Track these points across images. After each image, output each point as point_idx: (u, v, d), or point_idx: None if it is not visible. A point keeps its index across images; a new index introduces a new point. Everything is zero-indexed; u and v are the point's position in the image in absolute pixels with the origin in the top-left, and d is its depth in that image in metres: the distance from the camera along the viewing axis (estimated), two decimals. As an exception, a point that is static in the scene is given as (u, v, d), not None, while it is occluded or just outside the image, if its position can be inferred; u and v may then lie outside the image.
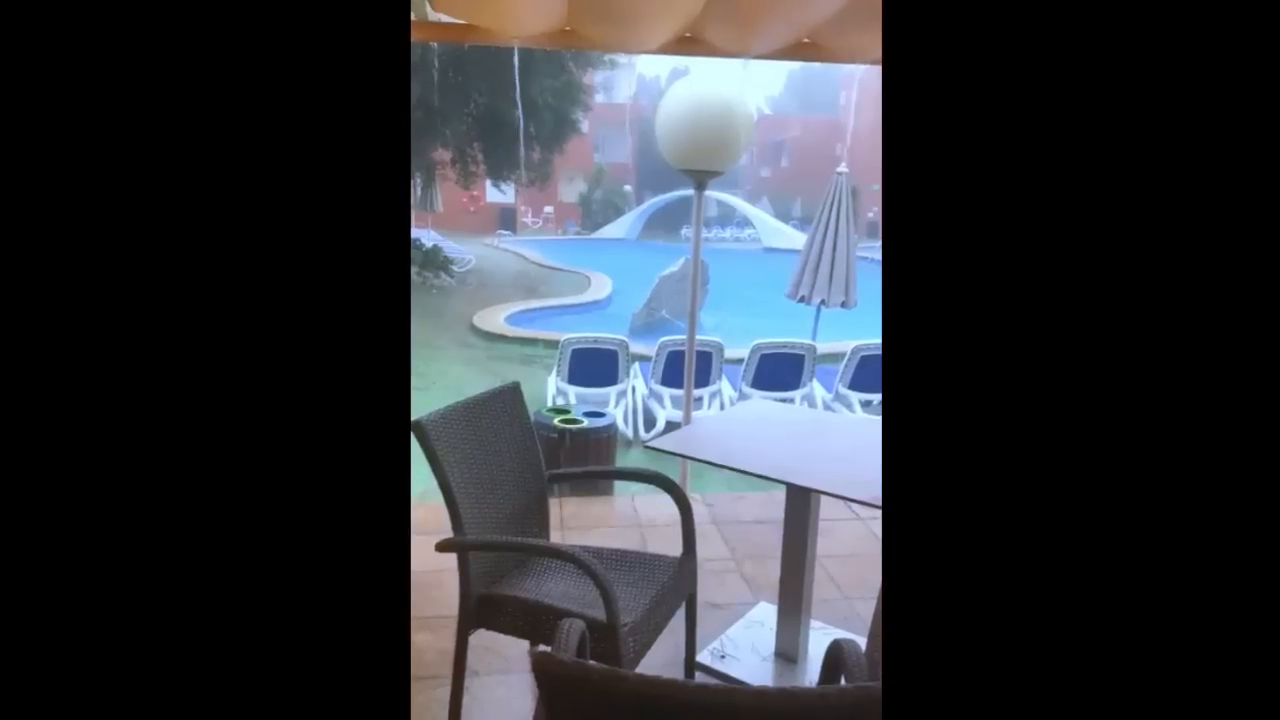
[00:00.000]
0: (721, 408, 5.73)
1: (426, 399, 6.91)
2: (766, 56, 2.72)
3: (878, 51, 2.62)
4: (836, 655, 1.30)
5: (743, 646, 2.28)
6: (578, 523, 3.18)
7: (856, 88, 28.15)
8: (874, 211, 28.93)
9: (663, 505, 2.15)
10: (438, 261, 14.22)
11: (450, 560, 1.77)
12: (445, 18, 2.51)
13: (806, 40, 2.59)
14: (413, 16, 2.46)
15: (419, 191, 16.16)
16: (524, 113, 13.08)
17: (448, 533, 1.77)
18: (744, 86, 2.97)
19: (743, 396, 5.78)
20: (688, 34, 2.59)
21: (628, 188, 29.20)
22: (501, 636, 1.81)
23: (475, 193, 21.26)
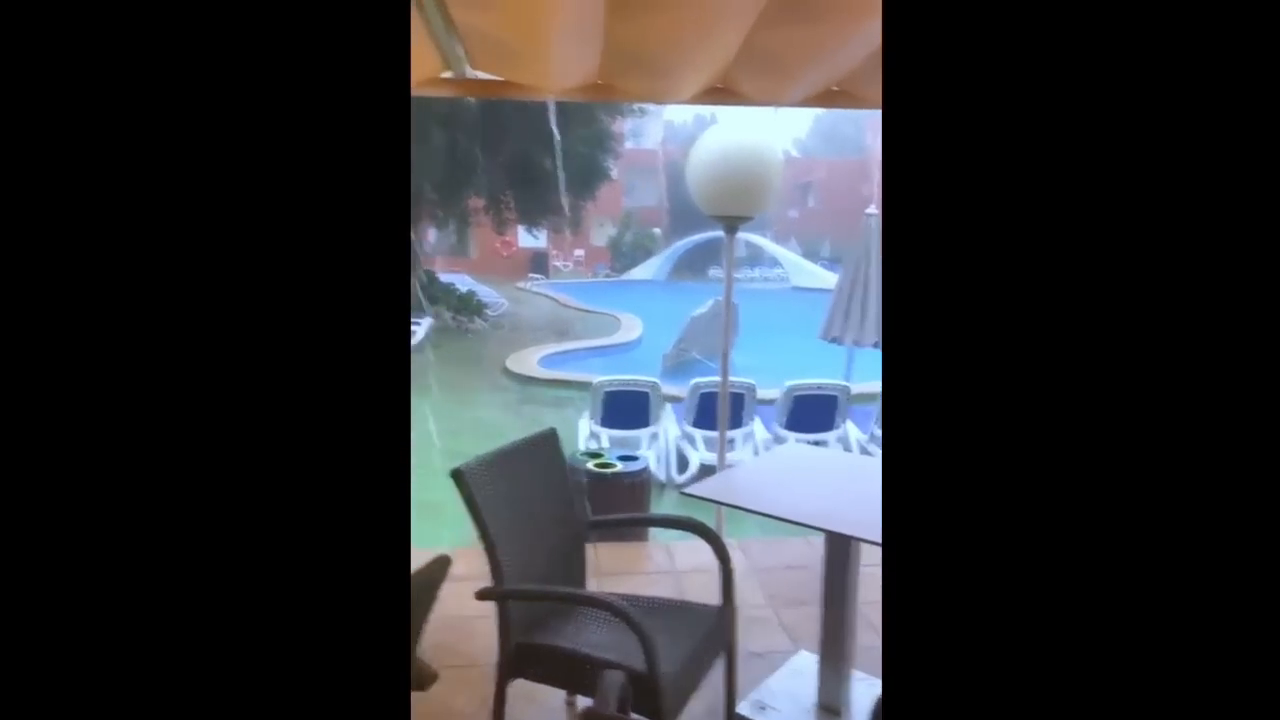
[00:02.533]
0: (755, 449, 5.69)
1: (459, 443, 6.94)
2: (797, 104, 2.76)
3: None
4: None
5: (783, 697, 2.23)
6: (612, 569, 3.15)
7: (872, 132, 28.32)
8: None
9: (698, 551, 2.12)
10: (472, 306, 14.46)
11: (485, 608, 1.77)
12: (484, 75, 2.59)
13: (836, 88, 2.63)
14: (451, 74, 2.56)
15: (454, 238, 16.50)
16: (556, 160, 13.38)
17: (486, 580, 1.77)
18: (772, 132, 3.02)
19: (777, 438, 5.74)
20: (719, 84, 2.64)
21: (657, 231, 29.52)
22: (539, 685, 1.79)
23: (508, 238, 21.66)
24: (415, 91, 2.66)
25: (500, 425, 7.48)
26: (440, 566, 1.25)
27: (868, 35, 2.08)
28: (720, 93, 2.68)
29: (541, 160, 13.63)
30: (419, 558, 3.16)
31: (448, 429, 7.19)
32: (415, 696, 1.37)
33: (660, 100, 2.79)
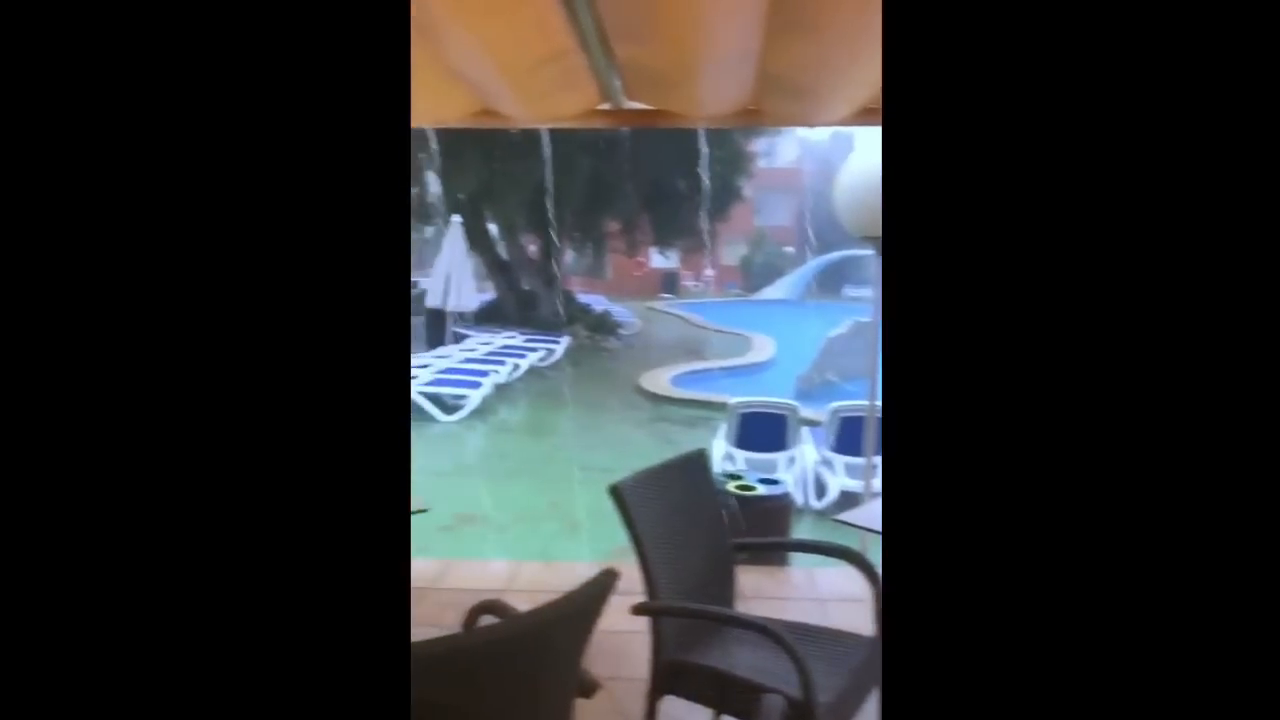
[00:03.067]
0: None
1: (594, 458, 7.09)
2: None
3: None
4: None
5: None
6: (755, 593, 3.13)
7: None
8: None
9: (843, 579, 2.07)
10: (606, 325, 14.84)
11: (632, 623, 1.80)
12: (638, 105, 2.69)
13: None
14: (608, 105, 2.67)
15: (590, 260, 16.99)
16: (691, 182, 13.55)
17: (630, 596, 1.82)
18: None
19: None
20: (871, 105, 2.61)
21: (789, 249, 29.13)
22: (684, 703, 1.81)
23: (640, 259, 22.08)
24: (574, 124, 2.80)
25: (634, 442, 7.61)
26: (608, 579, 1.30)
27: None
28: (872, 113, 2.64)
29: (676, 183, 13.84)
30: (561, 570, 3.28)
31: (583, 444, 7.40)
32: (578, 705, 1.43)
33: (812, 123, 2.79)
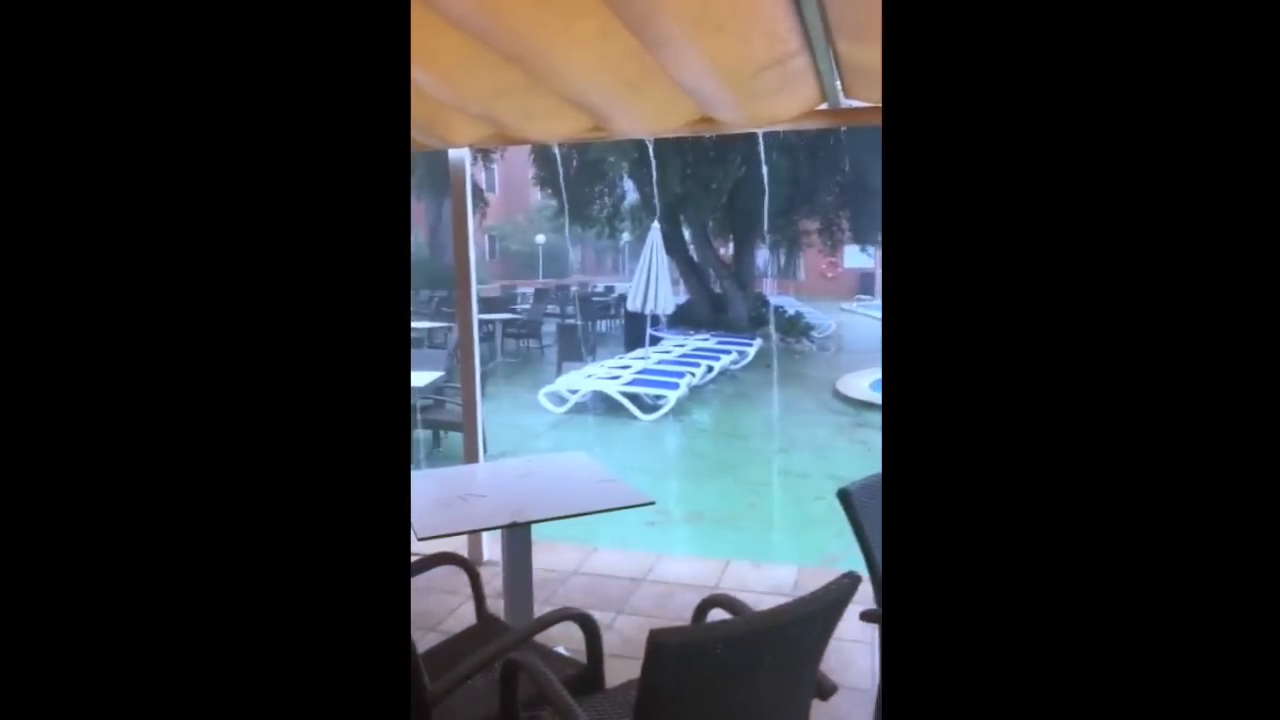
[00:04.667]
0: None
1: (791, 461, 6.98)
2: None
3: None
4: None
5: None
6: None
7: None
8: None
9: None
10: (799, 327, 14.59)
11: (859, 632, 1.77)
12: (857, 102, 2.64)
13: None
14: (825, 105, 2.64)
15: (783, 261, 16.80)
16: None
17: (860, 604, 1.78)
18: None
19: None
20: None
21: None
22: None
23: (833, 259, 21.46)
24: (791, 125, 2.79)
25: (833, 448, 7.42)
26: (851, 582, 1.29)
27: None
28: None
29: (877, 179, 13.32)
30: (769, 571, 3.28)
31: (779, 447, 7.33)
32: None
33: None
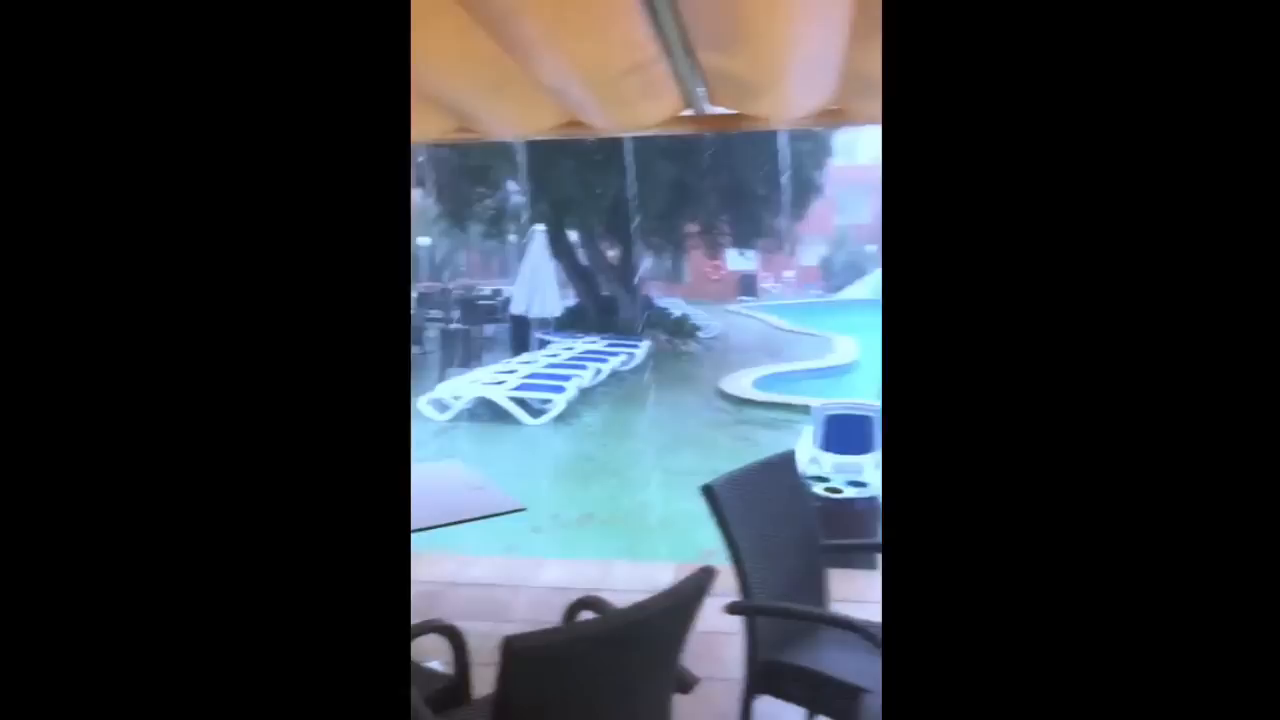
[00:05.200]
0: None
1: (677, 460, 7.09)
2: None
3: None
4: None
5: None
6: (843, 595, 3.09)
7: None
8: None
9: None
10: (685, 329, 14.86)
11: (723, 623, 1.82)
12: (721, 110, 2.72)
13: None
14: (691, 111, 2.70)
15: (668, 264, 17.04)
16: (768, 180, 13.46)
17: (731, 596, 1.84)
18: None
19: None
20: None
21: (871, 248, 28.45)
22: (778, 703, 1.82)
23: (718, 261, 22.01)
24: (656, 131, 2.85)
25: (717, 445, 7.59)
26: (706, 576, 1.33)
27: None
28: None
29: (755, 183, 13.77)
30: (651, 570, 3.33)
31: (666, 447, 7.44)
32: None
33: (859, 121, 2.75)
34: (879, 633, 1.60)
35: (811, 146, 14.07)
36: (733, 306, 22.85)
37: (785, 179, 13.10)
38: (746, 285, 26.99)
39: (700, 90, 2.52)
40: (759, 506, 1.98)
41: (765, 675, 1.81)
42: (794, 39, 1.94)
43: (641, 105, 2.51)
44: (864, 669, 1.77)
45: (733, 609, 1.80)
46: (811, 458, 5.67)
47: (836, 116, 2.75)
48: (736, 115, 2.75)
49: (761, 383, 10.55)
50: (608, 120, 2.63)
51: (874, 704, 1.27)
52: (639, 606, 1.28)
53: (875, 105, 2.66)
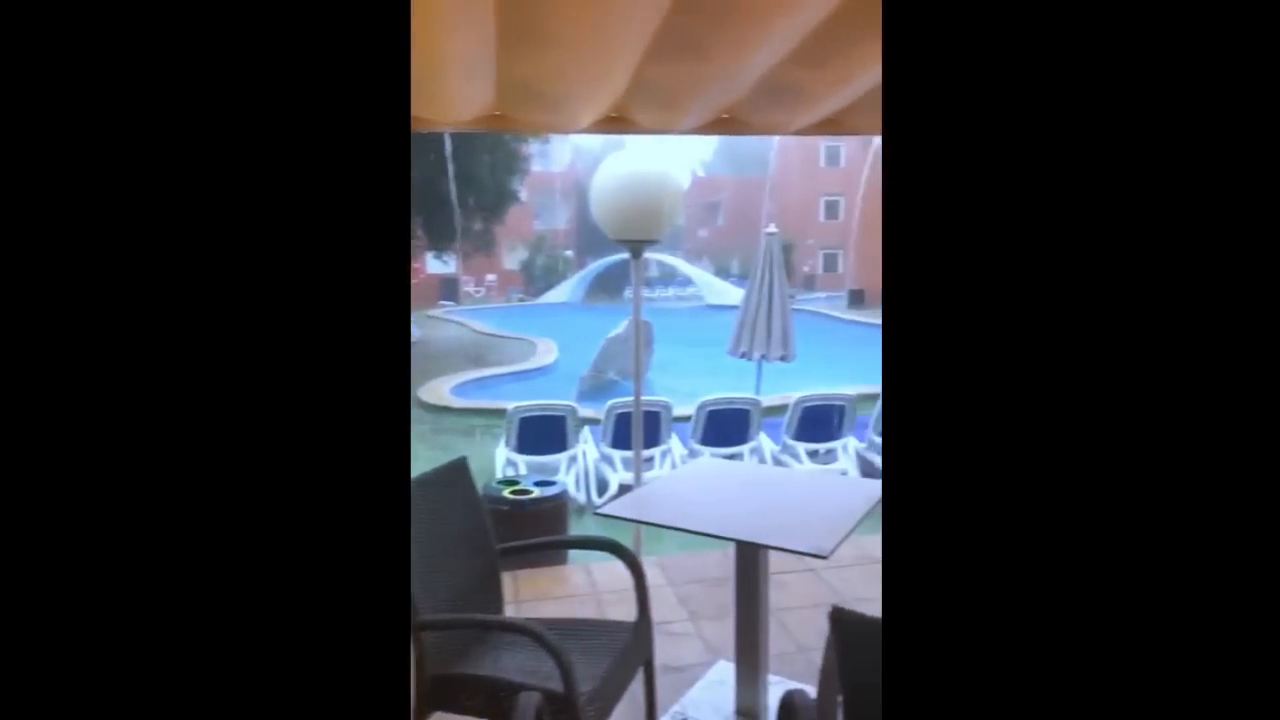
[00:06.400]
0: (673, 466, 5.77)
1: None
2: (690, 132, 2.87)
3: (793, 125, 2.80)
4: (789, 706, 1.33)
5: (704, 708, 2.28)
6: (533, 595, 3.15)
7: (779, 151, 29.48)
8: (809, 265, 29.91)
9: (618, 572, 2.17)
10: (380, 336, 14.11)
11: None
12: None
13: (726, 115, 2.75)
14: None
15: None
16: (463, 184, 13.32)
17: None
18: (673, 157, 3.13)
19: (693, 454, 5.84)
20: (614, 114, 2.73)
21: (569, 253, 29.60)
22: (461, 718, 1.79)
23: (416, 265, 21.30)
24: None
25: (416, 454, 7.30)
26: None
27: (750, 68, 2.20)
28: (616, 122, 2.77)
29: (447, 186, 13.54)
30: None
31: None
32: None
33: (558, 130, 2.86)
34: (540, 629, 1.64)
35: (503, 152, 14.21)
36: (434, 311, 22.24)
37: (475, 182, 13.07)
38: (448, 289, 26.46)
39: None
40: (427, 518, 1.92)
41: (435, 691, 1.76)
42: (443, 40, 1.91)
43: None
44: (535, 668, 1.80)
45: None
46: (507, 460, 5.72)
47: (501, 122, 2.78)
48: (420, 119, 2.65)
49: (460, 389, 10.41)
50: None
51: (529, 700, 1.29)
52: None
53: (537, 114, 2.74)
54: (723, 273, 27.83)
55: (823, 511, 2.04)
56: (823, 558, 1.73)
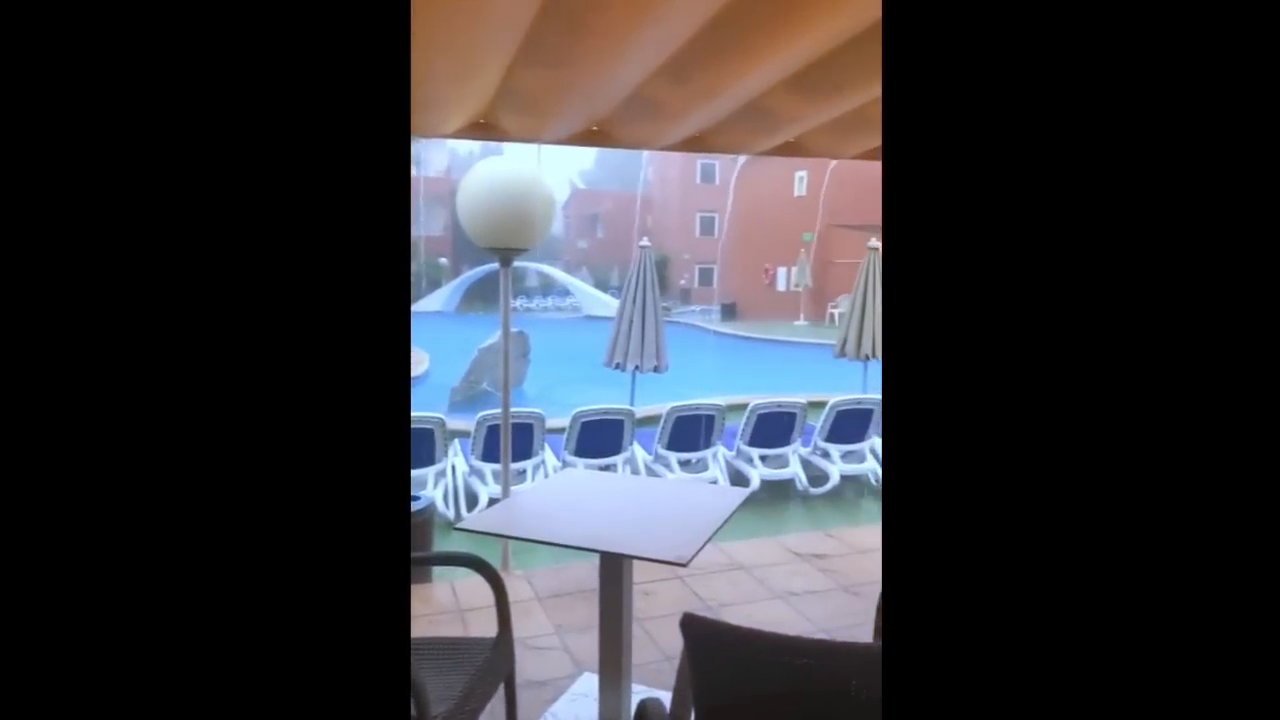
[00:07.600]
0: (546, 478, 5.72)
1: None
2: (559, 142, 2.87)
3: (661, 140, 2.85)
4: (642, 714, 1.34)
5: (567, 721, 2.26)
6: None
7: (657, 166, 30.12)
8: (685, 278, 30.64)
9: (484, 587, 2.11)
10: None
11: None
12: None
13: (595, 128, 2.77)
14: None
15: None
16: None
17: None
18: (551, 167, 3.12)
19: (567, 465, 5.81)
20: (482, 120, 2.68)
21: (443, 260, 28.86)
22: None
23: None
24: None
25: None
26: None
27: (619, 81, 2.22)
28: (484, 128, 2.73)
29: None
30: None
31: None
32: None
33: (424, 134, 2.78)
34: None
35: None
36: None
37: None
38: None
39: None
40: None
41: None
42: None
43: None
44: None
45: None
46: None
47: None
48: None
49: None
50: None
51: None
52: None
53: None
54: (602, 284, 28.01)
55: (686, 520, 2.07)
56: (683, 565, 1.76)
